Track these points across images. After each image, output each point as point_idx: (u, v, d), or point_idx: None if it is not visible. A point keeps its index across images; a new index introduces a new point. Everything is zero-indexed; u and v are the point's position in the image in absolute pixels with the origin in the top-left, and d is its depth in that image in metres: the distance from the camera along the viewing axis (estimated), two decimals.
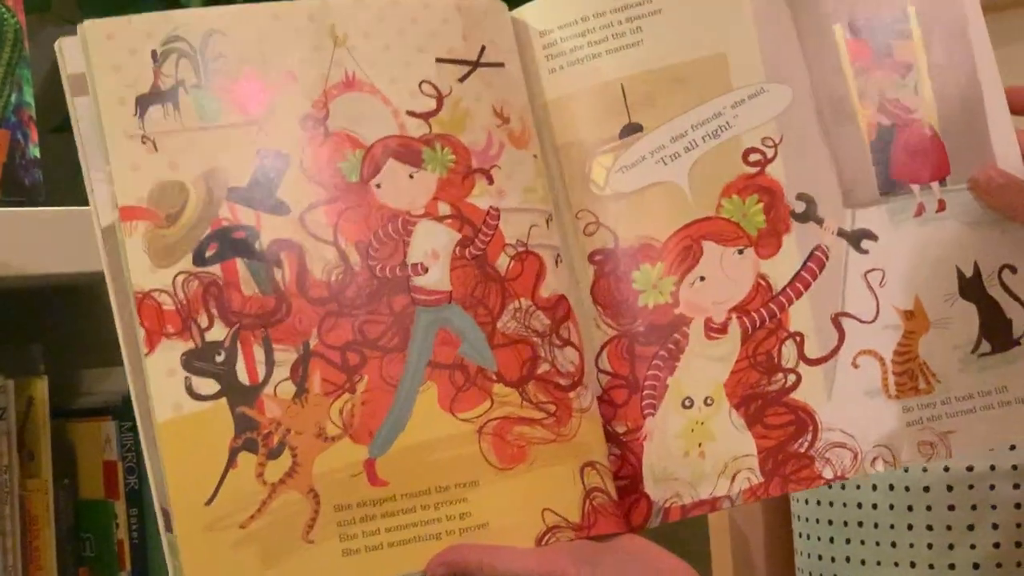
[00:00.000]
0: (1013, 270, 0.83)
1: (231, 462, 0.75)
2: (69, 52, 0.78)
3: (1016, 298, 0.83)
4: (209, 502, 0.75)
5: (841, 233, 0.83)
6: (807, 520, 1.29)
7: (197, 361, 0.76)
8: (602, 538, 0.79)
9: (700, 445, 0.82)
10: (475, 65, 0.82)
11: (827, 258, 0.83)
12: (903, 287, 0.83)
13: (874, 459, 0.82)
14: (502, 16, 0.84)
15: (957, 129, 0.84)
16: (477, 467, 0.78)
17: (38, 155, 1.11)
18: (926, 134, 0.84)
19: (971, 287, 0.83)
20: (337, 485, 0.76)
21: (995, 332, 0.83)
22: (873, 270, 0.83)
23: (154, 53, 0.77)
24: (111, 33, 0.77)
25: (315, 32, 0.79)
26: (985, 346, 0.83)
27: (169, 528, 0.75)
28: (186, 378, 0.75)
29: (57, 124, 1.25)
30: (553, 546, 0.77)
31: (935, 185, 0.84)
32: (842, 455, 0.81)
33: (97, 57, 0.77)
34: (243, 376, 0.76)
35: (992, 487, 1.18)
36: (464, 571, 0.76)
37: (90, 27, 0.77)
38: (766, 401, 0.82)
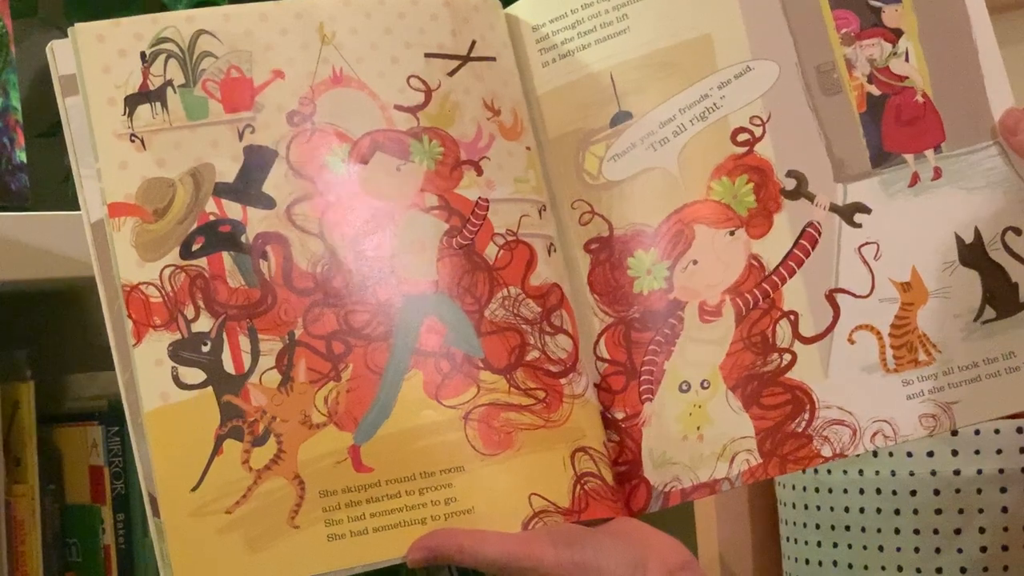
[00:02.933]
0: (1018, 232, 0.82)
1: (217, 449, 0.77)
2: (60, 54, 0.80)
3: (1021, 260, 0.82)
4: (195, 488, 0.77)
5: (833, 208, 0.82)
6: (794, 524, 1.29)
7: (184, 351, 0.78)
8: (593, 522, 0.80)
9: (698, 428, 0.82)
10: (465, 59, 0.83)
11: (819, 234, 0.82)
12: (899, 259, 0.82)
13: (874, 434, 0.81)
14: (494, 11, 0.85)
15: (952, 93, 0.83)
16: (462, 453, 0.78)
17: (24, 160, 1.11)
18: (919, 101, 0.83)
19: (972, 253, 0.82)
20: (322, 471, 0.78)
21: (1000, 297, 0.81)
22: (867, 243, 0.82)
23: (143, 54, 0.80)
24: (102, 35, 0.80)
25: (302, 30, 0.81)
26: (989, 312, 0.81)
27: (156, 513, 0.77)
28: (173, 368, 0.77)
29: (44, 129, 1.25)
30: (535, 530, 0.78)
31: (930, 153, 0.83)
32: (841, 432, 0.81)
33: (88, 58, 0.79)
34: (229, 366, 0.78)
35: (979, 491, 1.18)
36: (444, 556, 0.76)
37: (81, 29, 0.80)
38: (762, 382, 0.82)
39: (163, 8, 1.26)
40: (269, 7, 0.81)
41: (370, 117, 0.81)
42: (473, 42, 0.83)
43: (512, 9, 0.86)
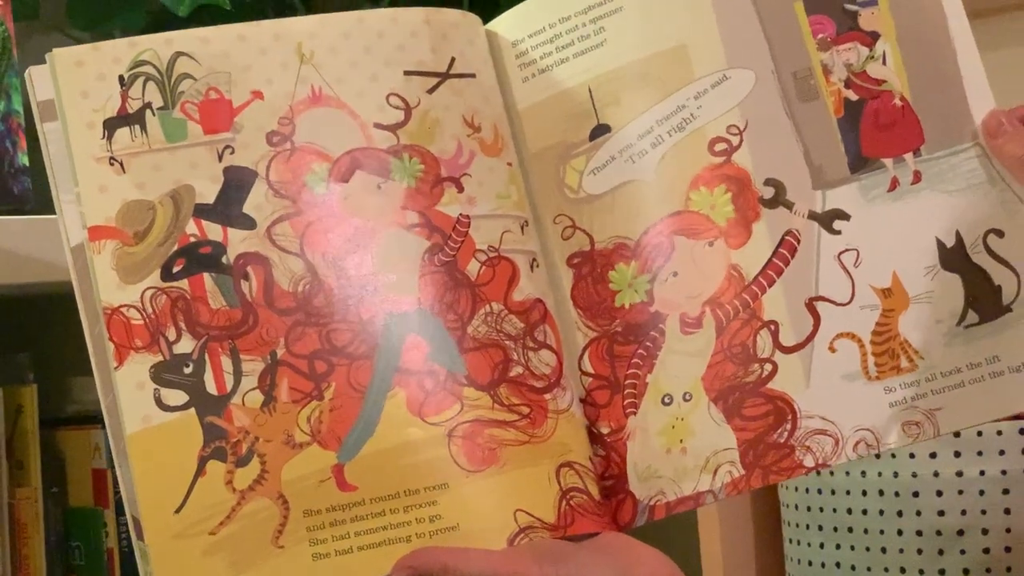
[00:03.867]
0: (1000, 234, 0.81)
1: (200, 471, 0.77)
2: (38, 79, 0.80)
3: (1004, 263, 0.80)
4: (179, 510, 0.77)
5: (812, 215, 0.82)
6: (797, 526, 1.29)
7: (166, 373, 0.78)
8: (579, 537, 0.80)
9: (681, 441, 0.82)
10: (444, 76, 0.83)
11: (799, 242, 0.81)
12: (879, 265, 0.81)
13: (856, 443, 0.80)
14: (474, 28, 0.85)
15: (931, 95, 0.82)
16: (446, 470, 0.78)
17: (27, 163, 1.11)
18: (897, 105, 0.82)
19: (954, 257, 0.81)
20: (306, 491, 0.78)
21: (983, 301, 0.80)
22: (847, 250, 0.81)
23: (121, 78, 0.80)
24: (80, 60, 0.80)
25: (281, 50, 0.81)
26: (972, 316, 0.80)
27: (140, 536, 0.77)
28: (155, 390, 0.77)
29: None
30: (520, 547, 0.78)
31: (909, 157, 0.82)
32: (823, 442, 0.80)
33: (66, 84, 0.80)
34: (211, 387, 0.78)
35: (982, 492, 1.18)
36: (428, 574, 0.76)
37: (59, 55, 0.80)
38: (743, 393, 0.81)
39: (163, 11, 1.26)
40: (247, 28, 0.81)
41: (350, 136, 0.81)
42: (453, 59, 0.83)
43: (492, 25, 0.86)
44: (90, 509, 1.16)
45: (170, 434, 0.77)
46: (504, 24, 0.86)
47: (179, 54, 0.80)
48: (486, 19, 0.86)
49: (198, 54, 0.80)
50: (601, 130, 0.84)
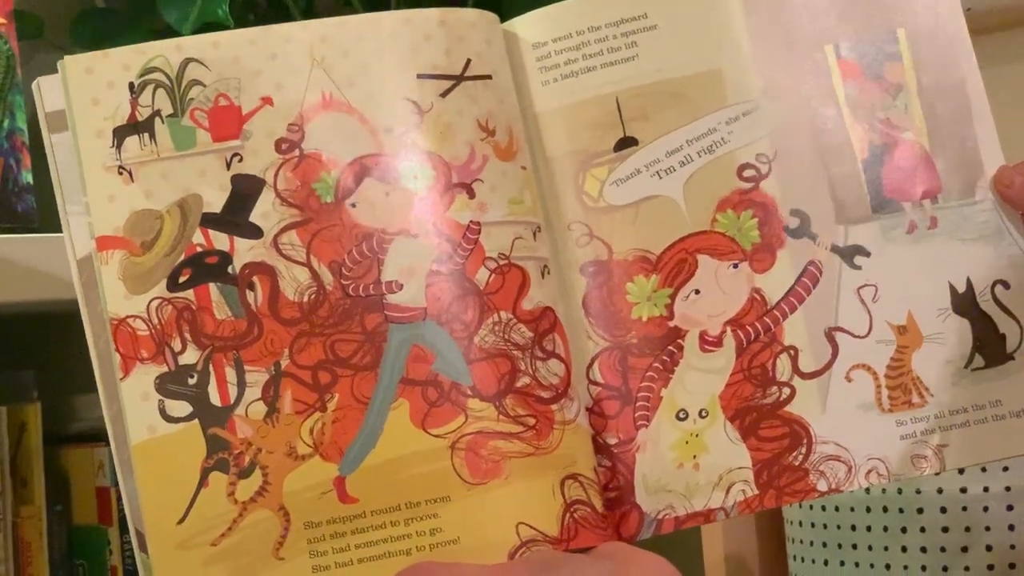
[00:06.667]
0: (1006, 286, 0.84)
1: (203, 482, 0.77)
2: (47, 90, 0.80)
3: (1009, 313, 0.84)
4: (181, 521, 0.76)
5: (834, 249, 0.83)
6: (802, 542, 1.28)
7: (170, 384, 0.77)
8: (581, 549, 0.79)
9: (695, 457, 0.82)
10: (459, 79, 0.82)
11: (821, 273, 0.83)
12: (896, 302, 0.83)
13: (868, 472, 0.82)
14: (491, 28, 0.84)
15: (948, 147, 0.85)
16: (448, 483, 0.78)
17: (31, 181, 1.11)
18: (917, 153, 0.85)
19: (964, 302, 0.83)
20: (307, 503, 0.77)
21: (989, 347, 0.83)
22: (866, 285, 0.83)
23: (131, 85, 0.79)
24: (90, 68, 0.79)
25: (292, 55, 0.80)
26: (979, 360, 0.83)
27: (144, 549, 0.77)
28: (160, 401, 0.77)
29: None
30: (514, 560, 0.77)
31: (927, 203, 0.84)
32: (836, 468, 0.82)
33: (77, 91, 0.79)
34: (215, 398, 0.78)
35: (986, 508, 1.18)
36: None
37: (70, 62, 0.79)
38: (761, 414, 0.82)
39: (167, 27, 1.26)
40: (258, 32, 0.80)
41: (359, 142, 0.80)
42: (468, 60, 0.82)
43: (509, 26, 0.85)
44: (94, 527, 1.16)
45: (174, 445, 0.77)
46: (525, 25, 0.85)
47: (189, 60, 0.79)
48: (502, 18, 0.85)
49: (208, 59, 0.79)
50: (628, 142, 0.84)
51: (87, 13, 1.40)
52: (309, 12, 1.42)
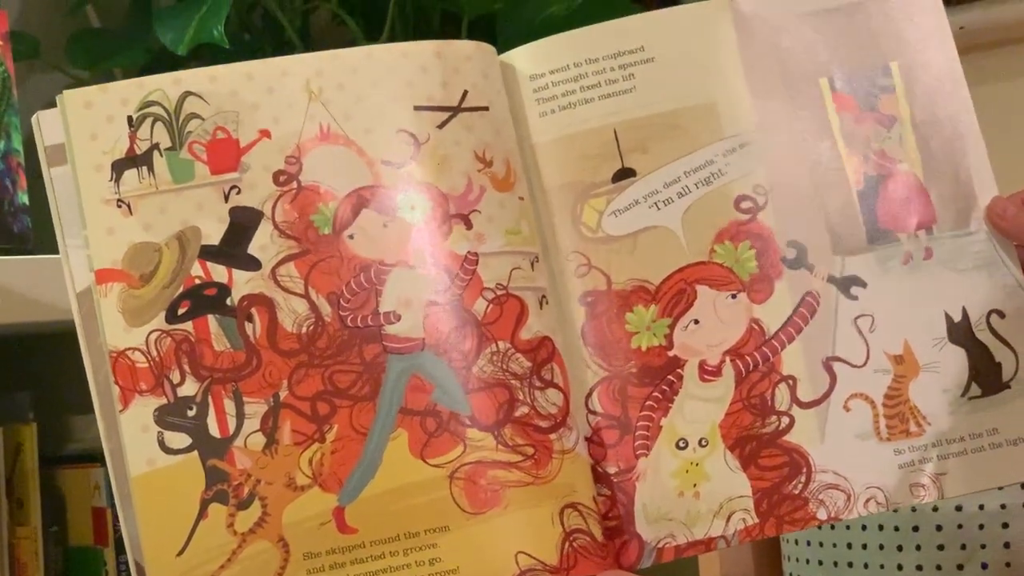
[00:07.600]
0: (1001, 315, 0.85)
1: (202, 513, 0.77)
2: (46, 124, 0.80)
3: (1005, 342, 0.85)
4: (180, 553, 0.77)
5: (831, 279, 0.84)
6: (798, 560, 1.28)
7: (169, 416, 0.78)
8: None
9: (695, 485, 0.82)
10: (455, 111, 0.82)
11: (818, 304, 0.84)
12: (893, 332, 0.84)
13: (867, 500, 0.83)
14: (488, 60, 0.84)
15: (942, 178, 0.86)
16: (448, 512, 0.78)
17: (27, 202, 1.11)
18: (911, 184, 0.86)
19: (960, 332, 0.84)
20: (306, 533, 0.77)
21: (985, 376, 0.84)
22: (863, 316, 0.84)
23: (130, 119, 0.80)
24: (89, 102, 0.80)
25: (289, 88, 0.81)
26: (975, 389, 0.84)
27: None
28: (159, 433, 0.77)
29: None
30: None
31: (922, 233, 0.85)
32: (835, 496, 0.82)
33: (76, 125, 0.79)
34: (214, 429, 0.78)
35: (981, 527, 1.18)
36: None
37: (68, 97, 0.80)
38: (760, 443, 0.83)
39: (163, 48, 1.26)
40: (255, 66, 0.81)
41: (357, 173, 0.81)
42: (465, 92, 0.83)
43: (507, 57, 0.86)
44: (90, 548, 1.16)
45: (173, 477, 0.77)
46: (522, 57, 0.86)
47: (187, 94, 0.80)
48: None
49: (206, 93, 0.80)
50: (625, 173, 0.85)
51: (83, 33, 1.40)
52: (304, 32, 1.42)
